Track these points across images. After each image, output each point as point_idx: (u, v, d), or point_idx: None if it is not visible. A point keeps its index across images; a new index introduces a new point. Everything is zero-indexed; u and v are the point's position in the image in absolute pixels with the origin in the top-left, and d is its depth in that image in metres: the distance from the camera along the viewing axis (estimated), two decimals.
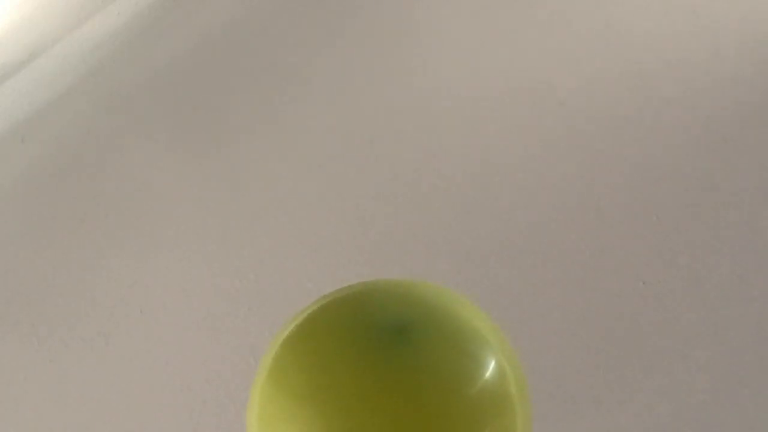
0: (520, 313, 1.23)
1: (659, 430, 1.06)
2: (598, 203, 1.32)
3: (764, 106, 1.34)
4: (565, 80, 1.55)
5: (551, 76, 1.58)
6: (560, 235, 1.31)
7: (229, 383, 1.33)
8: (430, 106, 1.67)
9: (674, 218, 1.25)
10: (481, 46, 1.74)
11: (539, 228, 1.34)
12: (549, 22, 1.70)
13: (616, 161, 1.37)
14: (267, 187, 1.70)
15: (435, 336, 0.41)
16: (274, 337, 0.44)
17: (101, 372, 1.51)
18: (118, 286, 1.66)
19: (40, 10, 2.84)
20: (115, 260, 1.73)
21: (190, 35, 2.34)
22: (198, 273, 1.59)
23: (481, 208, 1.42)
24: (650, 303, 1.17)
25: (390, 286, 0.46)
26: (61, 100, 2.42)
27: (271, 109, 1.89)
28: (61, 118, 2.34)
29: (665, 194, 1.29)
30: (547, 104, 1.53)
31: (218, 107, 2.02)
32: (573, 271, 1.25)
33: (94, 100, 2.32)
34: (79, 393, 1.50)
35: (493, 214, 1.39)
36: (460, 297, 0.46)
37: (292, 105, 1.87)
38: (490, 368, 0.41)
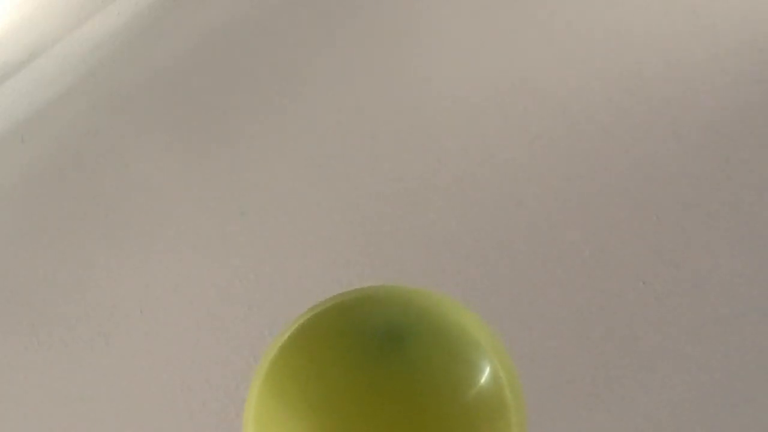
0: (520, 313, 1.23)
1: (659, 430, 1.06)
2: (598, 203, 1.32)
3: (765, 106, 1.34)
4: (565, 80, 1.55)
5: (551, 76, 1.58)
6: (560, 235, 1.31)
7: (229, 383, 1.33)
8: (431, 106, 1.67)
9: (674, 218, 1.25)
10: (481, 45, 1.74)
11: (539, 228, 1.34)
12: (549, 22, 1.70)
13: (616, 161, 1.37)
14: (267, 187, 1.70)
15: (429, 342, 0.41)
16: (269, 346, 0.44)
17: (101, 372, 1.51)
18: (118, 286, 1.66)
19: (40, 10, 2.84)
20: (115, 260, 1.73)
21: (190, 35, 2.34)
22: (198, 273, 1.59)
23: (480, 208, 1.42)
24: (650, 303, 1.17)
25: (383, 293, 0.46)
26: (61, 100, 2.42)
27: (271, 110, 1.89)
28: (61, 118, 2.34)
29: (665, 194, 1.29)
30: (546, 104, 1.53)
31: (218, 107, 2.02)
32: (573, 271, 1.25)
33: (94, 100, 2.32)
34: (79, 393, 1.50)
35: (493, 214, 1.39)
36: (454, 303, 0.46)
37: (293, 105, 1.87)
38: (485, 374, 0.41)
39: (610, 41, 1.58)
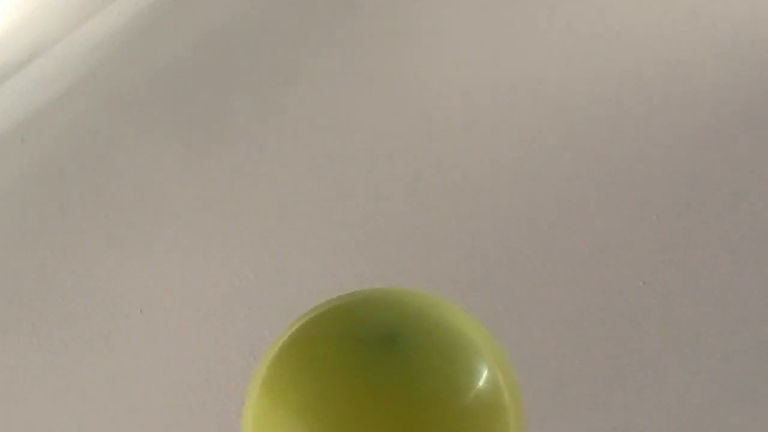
0: (520, 313, 1.23)
1: (659, 430, 1.06)
2: (598, 203, 1.32)
3: (765, 106, 1.34)
4: (565, 80, 1.55)
5: (551, 76, 1.58)
6: (560, 234, 1.31)
7: (229, 383, 1.33)
8: (431, 106, 1.67)
9: (674, 218, 1.25)
10: (481, 45, 1.74)
11: (539, 228, 1.34)
12: (549, 21, 1.70)
13: (616, 161, 1.37)
14: (267, 187, 1.70)
15: (425, 345, 0.41)
16: (266, 350, 0.44)
17: (101, 372, 1.51)
18: (118, 286, 1.66)
19: (40, 10, 2.84)
20: (115, 260, 1.73)
21: (190, 35, 2.34)
22: (198, 273, 1.59)
23: (480, 208, 1.42)
24: (650, 303, 1.17)
25: (380, 296, 0.46)
26: (61, 100, 2.42)
27: (271, 110, 1.89)
28: (61, 118, 2.34)
29: (665, 194, 1.29)
30: (546, 104, 1.53)
31: (219, 107, 2.02)
32: (573, 271, 1.25)
33: (94, 100, 2.32)
34: (79, 393, 1.50)
35: (493, 214, 1.39)
36: (452, 305, 0.45)
37: (293, 105, 1.87)
38: (483, 377, 0.41)
39: (610, 41, 1.58)
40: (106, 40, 2.56)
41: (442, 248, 1.39)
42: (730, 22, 1.49)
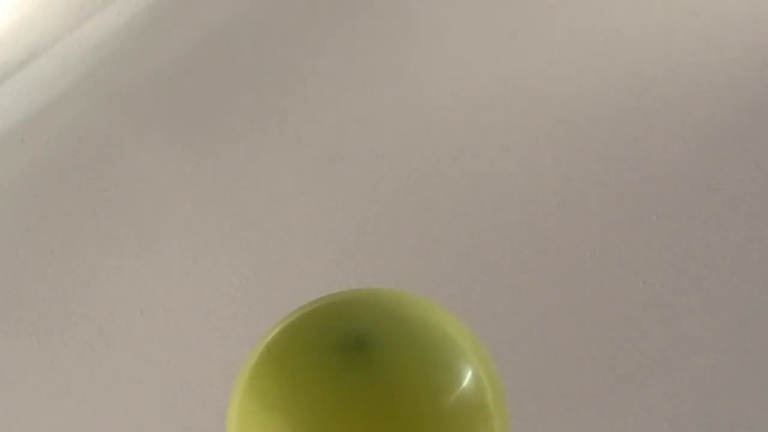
0: (520, 313, 1.23)
1: (659, 430, 1.06)
2: (598, 203, 1.32)
3: (765, 106, 1.34)
4: (565, 80, 1.55)
5: (551, 77, 1.58)
6: (560, 234, 1.31)
7: (229, 383, 1.33)
8: (431, 106, 1.67)
9: (674, 218, 1.25)
10: (482, 46, 1.74)
11: (539, 228, 1.34)
12: (549, 22, 1.70)
13: (616, 161, 1.37)
14: (267, 187, 1.70)
15: (398, 347, 0.40)
16: (249, 354, 0.44)
17: (101, 372, 1.51)
18: (118, 286, 1.66)
19: (40, 10, 2.84)
20: (115, 260, 1.73)
21: (190, 35, 2.34)
22: (198, 273, 1.59)
23: (480, 208, 1.42)
24: (650, 303, 1.17)
25: (350, 299, 0.45)
26: (61, 100, 2.42)
27: (271, 110, 1.89)
28: (61, 118, 2.34)
29: (665, 194, 1.29)
30: (546, 104, 1.53)
31: (219, 107, 2.02)
32: (572, 271, 1.25)
33: (94, 100, 2.32)
34: (79, 393, 1.50)
35: (493, 214, 1.39)
36: (430, 304, 0.44)
37: (293, 105, 1.87)
38: (465, 378, 0.40)
39: (610, 41, 1.58)
40: (106, 40, 2.56)
41: (442, 249, 1.39)
42: (730, 22, 1.49)
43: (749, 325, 1.10)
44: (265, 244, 1.57)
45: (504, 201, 1.41)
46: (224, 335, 1.43)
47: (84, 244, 1.83)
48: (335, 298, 0.45)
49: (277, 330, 0.44)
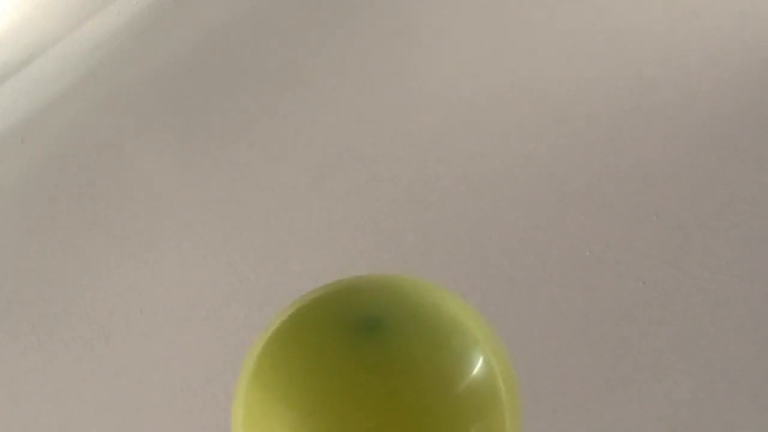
0: (519, 313, 1.23)
1: (659, 430, 1.06)
2: (598, 203, 1.32)
3: (765, 106, 1.34)
4: (565, 80, 1.55)
5: (551, 77, 1.58)
6: (560, 234, 1.31)
7: (229, 383, 1.33)
8: (431, 106, 1.67)
9: (674, 218, 1.25)
10: (482, 46, 1.74)
11: (539, 228, 1.34)
12: (549, 22, 1.70)
13: (616, 161, 1.37)
14: (267, 187, 1.70)
15: (411, 331, 0.39)
16: (254, 343, 0.44)
17: (101, 372, 1.51)
18: (118, 286, 1.66)
19: (40, 10, 2.84)
20: (115, 260, 1.73)
21: (190, 35, 2.34)
22: (198, 273, 1.59)
23: (480, 208, 1.42)
24: (650, 303, 1.17)
25: (365, 282, 0.45)
26: (61, 100, 2.42)
27: (271, 110, 1.89)
28: (61, 118, 2.34)
29: (665, 194, 1.29)
30: (546, 104, 1.53)
31: (219, 107, 2.02)
32: (572, 271, 1.25)
33: (94, 100, 2.32)
34: (80, 393, 1.50)
35: (493, 214, 1.39)
36: (443, 291, 0.44)
37: (293, 105, 1.87)
38: (476, 365, 0.39)
39: (610, 41, 1.58)
40: (106, 40, 2.56)
41: (440, 249, 1.39)
42: (730, 22, 1.49)
43: (749, 325, 1.10)
44: (265, 244, 1.57)
45: (503, 201, 1.41)
46: (224, 335, 1.43)
47: (84, 244, 1.83)
48: (347, 282, 0.45)
49: (288, 313, 0.43)
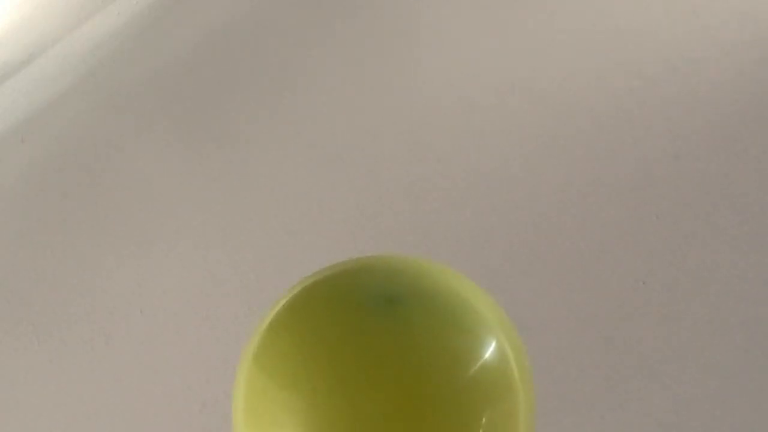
0: (518, 313, 1.23)
1: (659, 430, 1.06)
2: (598, 203, 1.32)
3: (765, 106, 1.34)
4: (565, 80, 1.55)
5: (551, 76, 1.58)
6: (559, 234, 1.31)
7: (229, 383, 1.33)
8: (431, 106, 1.67)
9: (674, 218, 1.25)
10: (482, 46, 1.74)
11: (538, 228, 1.34)
12: (549, 22, 1.70)
13: (616, 161, 1.37)
14: (268, 186, 1.70)
15: (427, 309, 0.38)
16: (258, 323, 0.43)
17: (102, 372, 1.51)
18: (118, 286, 1.66)
19: (40, 10, 2.84)
20: (115, 260, 1.73)
21: (190, 35, 2.34)
22: (198, 273, 1.59)
23: (479, 208, 1.42)
24: (650, 303, 1.17)
25: (378, 261, 0.44)
26: (61, 100, 2.42)
27: (271, 109, 1.89)
28: (61, 118, 2.34)
29: (665, 194, 1.29)
30: (546, 104, 1.53)
31: (219, 107, 2.02)
32: (572, 271, 1.25)
33: (94, 100, 2.32)
34: (79, 393, 1.50)
35: (492, 214, 1.39)
36: (457, 273, 0.43)
37: (293, 105, 1.87)
38: (489, 348, 0.38)
39: (610, 41, 1.58)
40: (106, 40, 2.56)
41: (440, 249, 1.39)
42: (730, 22, 1.49)
43: (749, 325, 1.10)
44: (265, 244, 1.57)
45: (503, 201, 1.41)
46: (224, 335, 1.43)
47: (84, 244, 1.83)
48: (362, 261, 0.44)
49: (295, 290, 0.43)
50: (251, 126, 1.89)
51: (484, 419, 0.36)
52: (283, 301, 0.42)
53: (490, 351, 0.38)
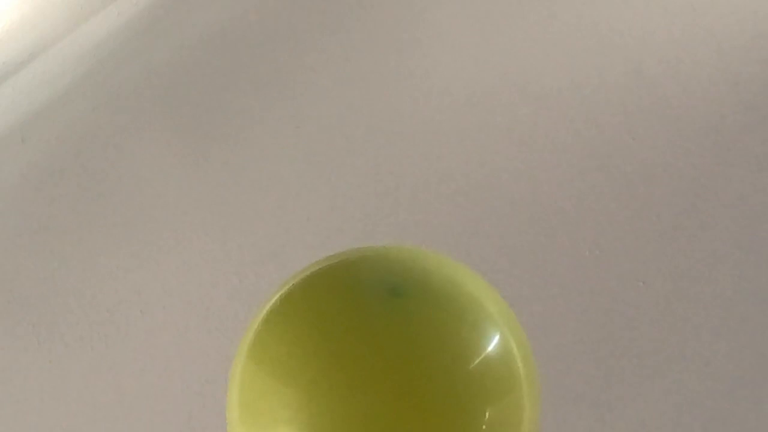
0: (517, 313, 1.23)
1: (659, 430, 1.06)
2: (598, 203, 1.32)
3: (765, 106, 1.34)
4: (565, 80, 1.55)
5: (551, 76, 1.58)
6: (559, 234, 1.31)
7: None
8: (431, 106, 1.67)
9: (674, 218, 1.25)
10: (482, 46, 1.74)
11: (538, 227, 1.34)
12: (549, 22, 1.70)
13: (616, 161, 1.37)
14: (267, 186, 1.70)
15: (430, 299, 0.38)
16: (254, 316, 0.42)
17: (101, 372, 1.51)
18: (118, 286, 1.66)
19: (40, 10, 2.84)
20: (115, 260, 1.73)
21: (190, 35, 2.34)
22: (198, 273, 1.59)
23: (479, 208, 1.42)
24: (650, 303, 1.17)
25: (380, 251, 0.43)
26: (61, 100, 2.42)
27: (271, 110, 1.89)
28: (61, 118, 2.34)
29: (665, 194, 1.29)
30: (546, 104, 1.53)
31: (219, 107, 2.02)
32: (572, 271, 1.25)
33: (94, 100, 2.32)
34: (79, 393, 1.50)
35: (492, 214, 1.39)
36: (461, 265, 0.42)
37: (294, 105, 1.87)
38: (493, 341, 0.38)
39: (611, 42, 1.58)
40: (106, 40, 2.56)
41: (440, 250, 1.39)
42: (730, 22, 1.49)
43: (750, 325, 1.10)
44: (265, 244, 1.57)
45: (503, 201, 1.41)
46: (225, 336, 1.43)
47: (84, 244, 1.83)
48: (366, 251, 0.43)
49: (296, 279, 0.41)
50: (251, 126, 1.88)
51: (487, 414, 0.35)
52: (279, 293, 0.41)
53: (493, 345, 0.38)
